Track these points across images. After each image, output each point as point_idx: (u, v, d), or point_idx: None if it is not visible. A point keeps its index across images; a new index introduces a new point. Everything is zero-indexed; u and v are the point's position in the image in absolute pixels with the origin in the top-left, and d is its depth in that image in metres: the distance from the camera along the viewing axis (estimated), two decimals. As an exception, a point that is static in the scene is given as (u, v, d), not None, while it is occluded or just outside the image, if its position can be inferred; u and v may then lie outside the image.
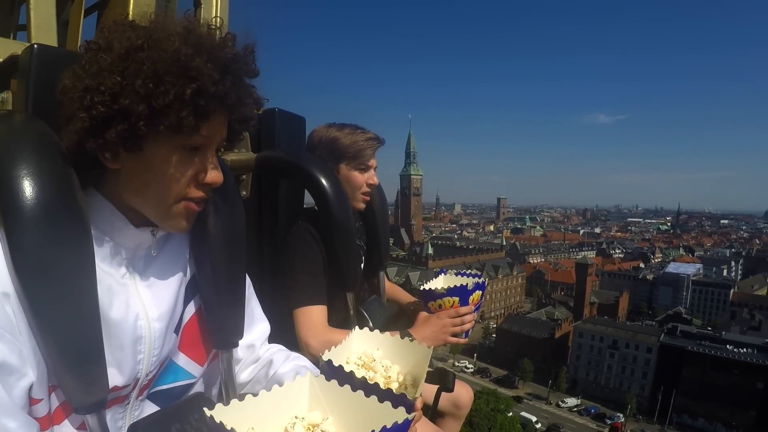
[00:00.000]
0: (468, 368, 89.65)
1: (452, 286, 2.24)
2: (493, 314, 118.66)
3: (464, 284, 2.24)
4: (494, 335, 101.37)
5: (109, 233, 1.20)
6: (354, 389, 1.00)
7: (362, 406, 0.97)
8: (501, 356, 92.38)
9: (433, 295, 2.27)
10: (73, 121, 1.05)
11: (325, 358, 1.17)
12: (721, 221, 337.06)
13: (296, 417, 1.00)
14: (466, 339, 2.30)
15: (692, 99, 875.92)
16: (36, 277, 0.99)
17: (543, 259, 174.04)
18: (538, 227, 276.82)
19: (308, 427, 0.97)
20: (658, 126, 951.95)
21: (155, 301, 1.28)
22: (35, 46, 1.29)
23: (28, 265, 0.99)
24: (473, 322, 2.30)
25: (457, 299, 2.23)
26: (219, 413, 0.86)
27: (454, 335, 2.23)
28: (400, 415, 0.90)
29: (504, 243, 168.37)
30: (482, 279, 2.33)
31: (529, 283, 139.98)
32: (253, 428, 0.88)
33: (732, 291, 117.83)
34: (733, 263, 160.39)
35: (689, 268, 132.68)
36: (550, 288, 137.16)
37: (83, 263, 1.06)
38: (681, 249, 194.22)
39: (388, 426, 0.85)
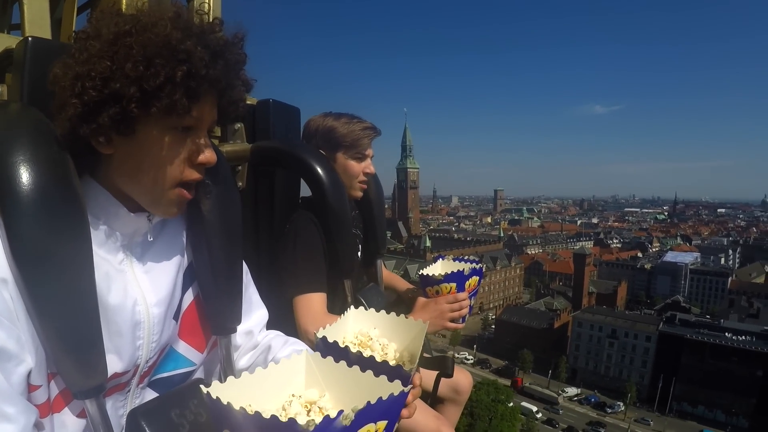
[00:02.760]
0: (468, 359, 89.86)
1: (450, 271, 2.25)
2: (492, 305, 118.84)
3: (461, 270, 2.25)
4: (493, 326, 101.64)
5: (105, 219, 1.20)
6: (350, 365, 1.01)
7: (359, 382, 0.98)
8: (501, 347, 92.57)
9: (430, 280, 2.28)
10: (65, 109, 1.06)
11: (319, 335, 1.17)
12: (718, 210, 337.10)
13: (293, 395, 0.99)
14: (463, 324, 2.32)
15: (688, 88, 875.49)
16: (33, 262, 1.00)
17: (541, 250, 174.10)
18: (535, 218, 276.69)
19: (305, 405, 0.97)
20: (654, 116, 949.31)
21: (153, 286, 1.28)
22: (29, 38, 1.28)
23: (26, 250, 1.00)
24: (469, 308, 2.32)
25: (454, 285, 2.25)
26: (216, 390, 0.87)
27: (452, 321, 2.25)
28: (396, 387, 0.91)
29: (502, 234, 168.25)
30: (479, 265, 2.34)
31: (527, 274, 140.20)
32: (250, 405, 0.86)
33: (730, 279, 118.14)
34: (730, 251, 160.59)
35: (687, 257, 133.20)
36: (549, 278, 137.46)
37: (80, 248, 1.07)
38: (678, 238, 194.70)
39: (384, 398, 0.85)
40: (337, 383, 1.03)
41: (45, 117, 1.13)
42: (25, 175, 1.01)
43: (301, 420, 0.78)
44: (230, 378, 0.94)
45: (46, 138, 1.09)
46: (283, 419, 0.79)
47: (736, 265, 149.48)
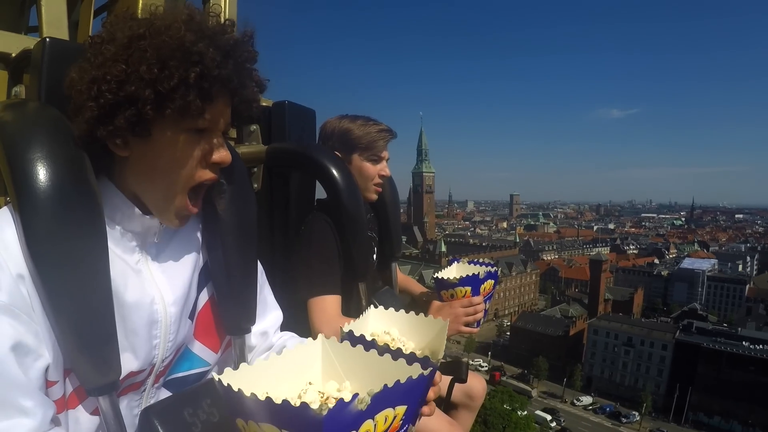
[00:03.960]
0: (482, 366, 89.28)
1: (465, 275, 2.23)
2: (507, 312, 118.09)
3: (476, 273, 2.23)
4: (508, 333, 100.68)
5: (120, 220, 1.21)
6: (367, 349, 0.98)
7: (378, 365, 0.95)
8: (515, 354, 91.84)
9: (445, 284, 2.26)
10: (82, 112, 1.08)
11: (345, 329, 1.18)
12: (736, 216, 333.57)
13: (309, 383, 0.98)
14: (478, 329, 2.29)
15: (706, 93, 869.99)
16: (49, 258, 1.01)
17: (557, 256, 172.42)
18: (551, 224, 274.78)
19: (321, 394, 0.95)
20: (672, 120, 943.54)
21: (170, 285, 1.29)
22: (47, 39, 1.29)
23: (42, 246, 1.00)
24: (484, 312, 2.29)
25: (469, 289, 2.22)
26: (227, 377, 0.85)
27: (467, 325, 2.22)
28: (415, 371, 0.88)
29: (517, 240, 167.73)
30: (495, 268, 2.32)
31: (543, 280, 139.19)
32: (266, 393, 0.82)
33: (747, 286, 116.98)
34: (748, 258, 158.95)
35: (704, 264, 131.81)
36: (564, 285, 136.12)
37: (96, 245, 1.08)
38: (696, 244, 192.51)
39: (403, 381, 0.81)
40: (355, 369, 1.00)
41: (62, 116, 1.15)
42: (42, 172, 1.02)
43: (314, 404, 0.74)
44: (243, 365, 0.93)
45: (64, 136, 1.10)
46: (295, 403, 0.75)
47: (754, 272, 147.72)
